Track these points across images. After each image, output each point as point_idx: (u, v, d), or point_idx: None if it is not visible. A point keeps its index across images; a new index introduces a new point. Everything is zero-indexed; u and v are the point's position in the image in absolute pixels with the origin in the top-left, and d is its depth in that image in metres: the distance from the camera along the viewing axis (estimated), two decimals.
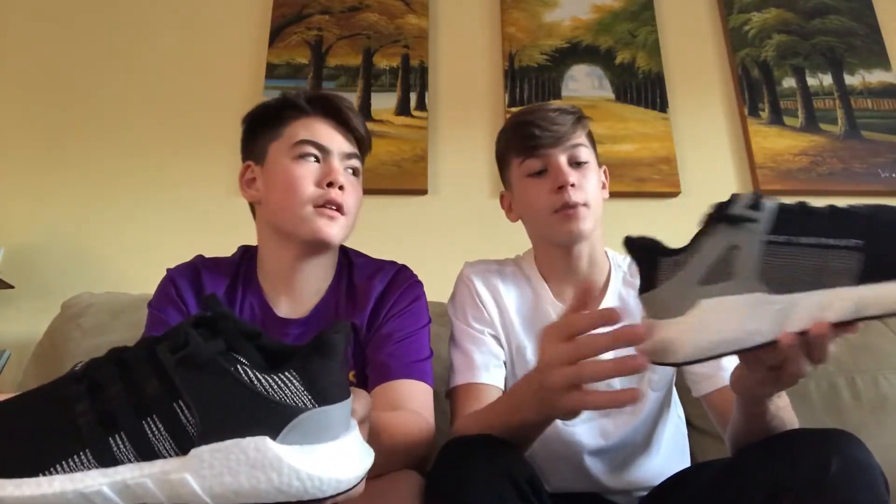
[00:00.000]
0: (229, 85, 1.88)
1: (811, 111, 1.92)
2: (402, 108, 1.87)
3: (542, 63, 1.95)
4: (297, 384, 0.38)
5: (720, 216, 0.56)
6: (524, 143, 0.91)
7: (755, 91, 1.95)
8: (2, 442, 0.38)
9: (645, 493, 0.89)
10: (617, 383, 0.87)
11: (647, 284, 0.58)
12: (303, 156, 0.85)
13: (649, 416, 0.91)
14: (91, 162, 1.77)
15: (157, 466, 0.37)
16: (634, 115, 1.90)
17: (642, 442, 0.91)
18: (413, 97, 1.89)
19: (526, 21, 2.00)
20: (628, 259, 0.99)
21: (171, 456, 0.37)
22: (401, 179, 1.77)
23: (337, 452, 0.40)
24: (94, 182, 1.75)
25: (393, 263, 0.95)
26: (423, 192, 1.78)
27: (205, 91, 1.87)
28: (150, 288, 0.90)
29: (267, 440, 0.37)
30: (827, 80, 1.97)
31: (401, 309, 0.88)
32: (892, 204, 0.55)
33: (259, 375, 0.38)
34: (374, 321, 0.87)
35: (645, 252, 0.59)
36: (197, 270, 0.89)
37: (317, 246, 0.86)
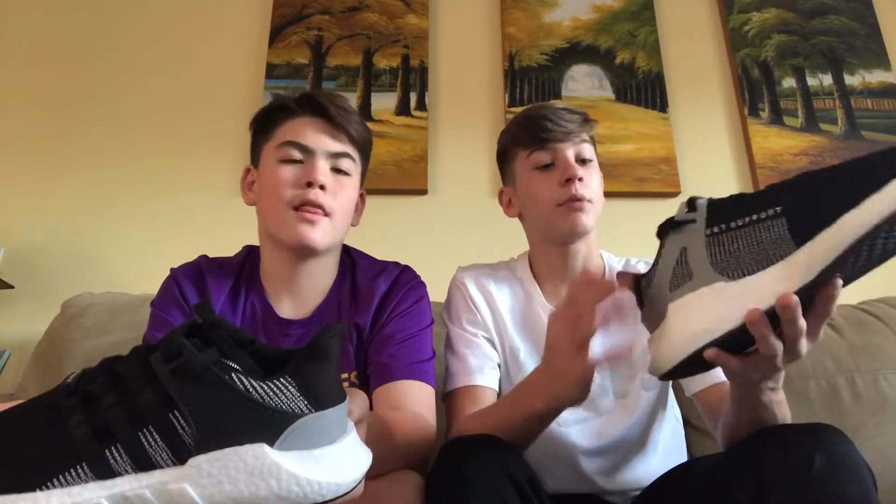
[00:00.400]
0: (229, 85, 1.88)
1: (811, 111, 1.92)
2: (402, 108, 1.87)
3: (542, 63, 1.95)
4: (292, 390, 0.38)
5: (668, 226, 0.61)
6: (534, 135, 0.93)
7: (755, 91, 1.94)
8: None
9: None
10: (611, 385, 0.89)
11: (640, 306, 0.64)
12: (286, 157, 0.83)
13: (643, 417, 0.91)
14: (91, 162, 1.77)
15: (155, 477, 0.37)
16: (634, 115, 1.90)
17: (637, 442, 0.91)
18: (413, 97, 1.88)
19: (526, 21, 2.00)
20: (622, 260, 1.02)
21: (168, 466, 0.37)
22: (401, 179, 1.77)
23: (335, 456, 0.40)
24: (94, 182, 1.75)
25: (396, 264, 0.95)
26: (423, 192, 1.78)
27: (205, 91, 1.87)
28: (150, 288, 0.90)
29: (264, 447, 0.37)
30: (827, 80, 1.97)
31: (403, 310, 0.88)
32: None
33: (254, 383, 0.38)
34: (377, 321, 0.87)
35: (631, 282, 0.65)
36: (200, 270, 0.88)
37: (301, 251, 0.84)
